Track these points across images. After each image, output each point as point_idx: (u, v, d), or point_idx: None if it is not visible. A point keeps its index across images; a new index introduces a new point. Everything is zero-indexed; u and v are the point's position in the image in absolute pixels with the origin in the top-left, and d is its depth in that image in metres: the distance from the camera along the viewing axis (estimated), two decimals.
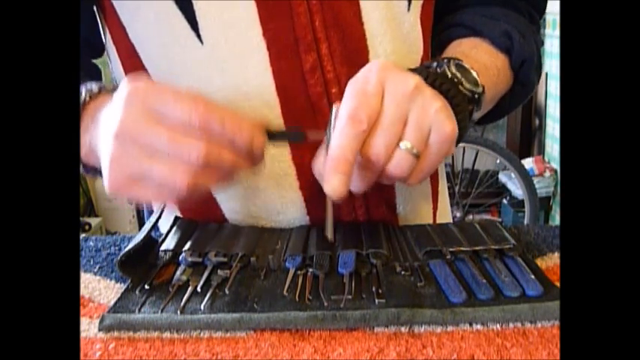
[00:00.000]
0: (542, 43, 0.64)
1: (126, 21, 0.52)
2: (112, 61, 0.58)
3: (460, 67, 0.49)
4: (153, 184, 0.39)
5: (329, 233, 0.42)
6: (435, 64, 0.49)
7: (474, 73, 0.49)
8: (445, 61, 0.49)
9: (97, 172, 0.50)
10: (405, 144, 0.41)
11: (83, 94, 0.46)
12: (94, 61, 0.61)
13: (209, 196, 0.56)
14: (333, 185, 0.40)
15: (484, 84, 0.50)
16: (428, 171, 0.44)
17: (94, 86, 0.46)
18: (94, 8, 0.56)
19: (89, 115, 0.44)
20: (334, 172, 0.40)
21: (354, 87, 0.42)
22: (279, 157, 0.53)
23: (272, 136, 0.43)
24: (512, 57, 0.57)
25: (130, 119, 0.38)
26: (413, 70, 0.48)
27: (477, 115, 0.51)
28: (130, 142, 0.38)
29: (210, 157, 0.38)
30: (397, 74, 0.43)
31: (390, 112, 0.41)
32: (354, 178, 0.42)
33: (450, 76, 0.48)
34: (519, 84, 0.60)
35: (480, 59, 0.54)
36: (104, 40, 0.58)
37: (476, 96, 0.49)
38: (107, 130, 0.39)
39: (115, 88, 0.47)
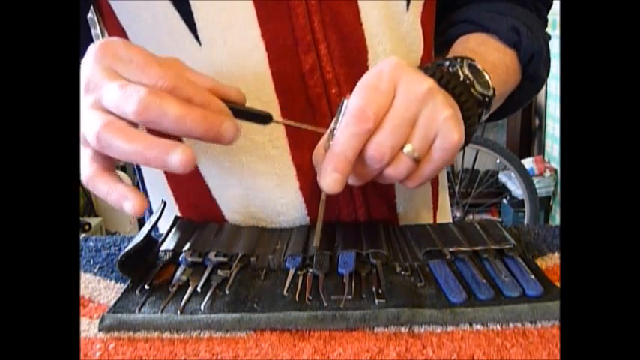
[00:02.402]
0: (550, 37, 0.63)
1: (125, 23, 0.52)
2: None
3: (472, 67, 0.48)
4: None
5: (316, 240, 0.42)
6: (447, 62, 0.48)
7: (487, 76, 0.48)
8: (458, 60, 0.48)
9: None
10: (407, 147, 0.41)
11: None
12: None
13: (209, 197, 0.56)
14: (328, 182, 0.40)
15: (494, 82, 0.49)
16: (428, 176, 0.43)
17: None
18: (89, 11, 0.56)
19: None
20: (332, 169, 0.40)
21: (365, 82, 0.42)
22: (280, 158, 0.53)
23: (237, 113, 0.41)
24: (521, 52, 0.56)
25: (94, 74, 0.38)
26: (425, 69, 0.47)
27: (484, 117, 0.51)
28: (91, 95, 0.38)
29: (150, 103, 0.35)
30: (411, 74, 0.42)
31: (400, 113, 0.40)
32: (351, 174, 0.42)
33: (462, 77, 0.47)
34: (528, 79, 0.59)
35: (489, 57, 0.54)
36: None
37: (486, 99, 0.48)
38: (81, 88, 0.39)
39: None
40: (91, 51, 0.39)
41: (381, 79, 0.41)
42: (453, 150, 0.42)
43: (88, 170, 0.38)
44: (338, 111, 0.42)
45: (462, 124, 0.43)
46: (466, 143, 0.46)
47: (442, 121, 0.41)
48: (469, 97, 0.46)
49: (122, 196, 0.37)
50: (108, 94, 0.36)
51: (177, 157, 0.35)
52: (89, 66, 0.38)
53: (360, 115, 0.40)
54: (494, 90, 0.49)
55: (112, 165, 0.39)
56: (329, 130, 0.43)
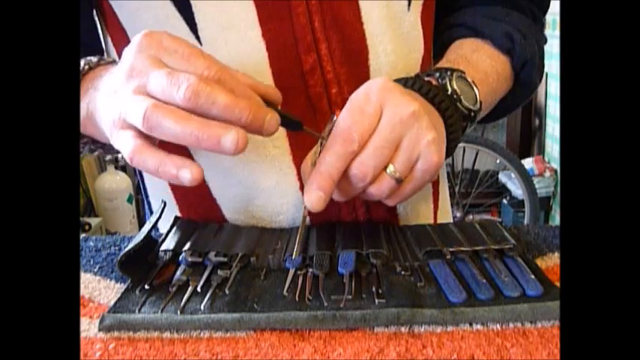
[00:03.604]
0: (546, 41, 0.64)
1: (126, 24, 0.52)
2: None
3: (462, 81, 0.49)
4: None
5: (295, 252, 0.43)
6: (437, 73, 0.49)
7: (475, 90, 0.49)
8: (448, 73, 0.49)
9: (95, 143, 0.49)
10: (390, 168, 0.42)
11: (82, 64, 0.46)
12: None
13: (209, 197, 0.56)
14: (311, 199, 0.41)
15: (483, 94, 0.50)
16: (408, 195, 0.45)
17: (93, 58, 0.46)
18: (94, 12, 0.56)
19: (88, 81, 0.44)
20: (316, 187, 0.41)
21: (353, 103, 0.43)
22: (280, 157, 0.53)
23: None
24: (514, 58, 0.57)
25: (139, 61, 0.38)
26: (414, 79, 0.48)
27: (469, 130, 0.52)
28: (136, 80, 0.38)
29: (200, 91, 0.36)
30: (398, 97, 0.43)
31: (384, 136, 0.42)
32: (336, 190, 0.43)
33: (449, 92, 0.48)
34: (520, 85, 0.60)
35: (481, 65, 0.54)
36: (104, 44, 0.58)
37: (472, 114, 0.49)
38: (118, 75, 0.39)
39: (114, 61, 0.47)
40: (135, 40, 0.39)
41: (369, 101, 0.42)
42: (432, 171, 0.43)
43: (133, 145, 0.38)
44: (327, 125, 0.43)
45: (443, 146, 0.44)
46: (448, 155, 0.47)
47: (424, 144, 0.42)
48: (454, 112, 0.47)
49: (178, 165, 0.37)
50: (155, 80, 0.37)
51: (231, 137, 0.35)
52: (132, 54, 0.39)
53: (345, 136, 0.41)
54: (480, 104, 0.50)
55: (155, 144, 0.39)
56: (319, 143, 0.43)
